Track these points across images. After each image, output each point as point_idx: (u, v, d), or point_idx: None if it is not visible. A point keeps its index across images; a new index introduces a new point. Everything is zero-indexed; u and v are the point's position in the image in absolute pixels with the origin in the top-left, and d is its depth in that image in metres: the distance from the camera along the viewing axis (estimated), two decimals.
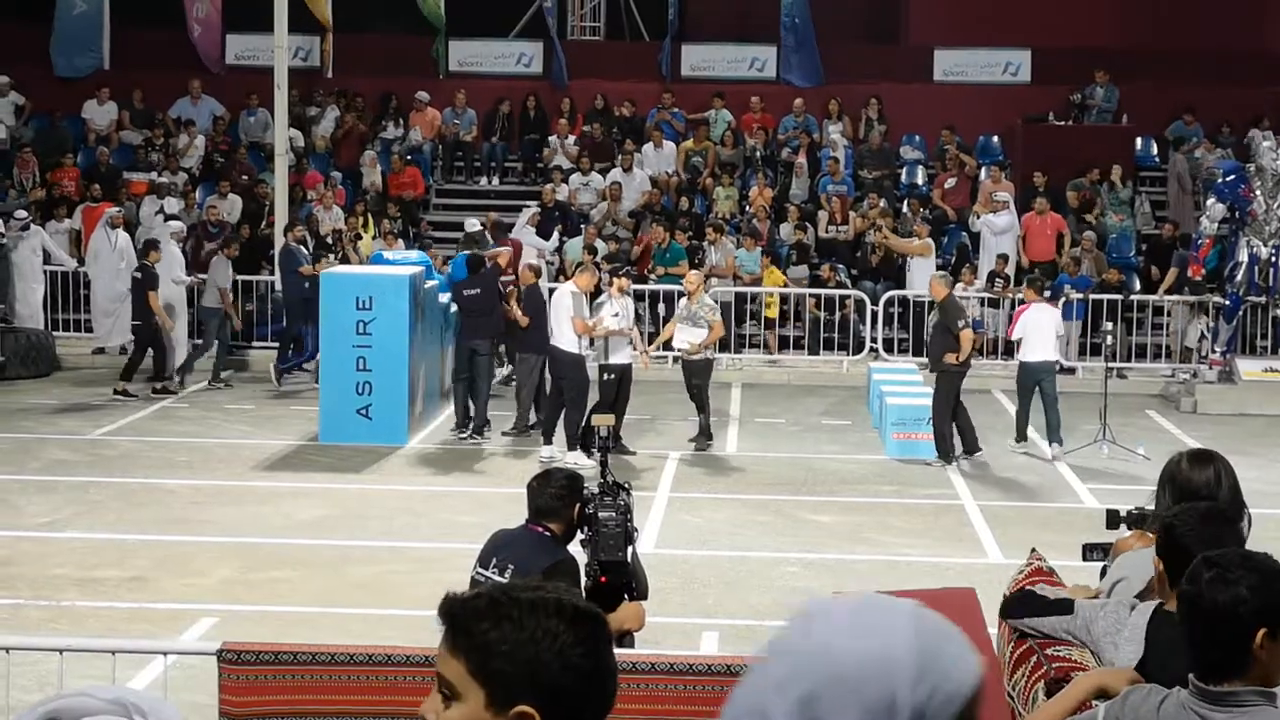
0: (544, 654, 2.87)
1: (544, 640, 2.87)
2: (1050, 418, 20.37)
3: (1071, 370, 25.65)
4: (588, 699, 2.92)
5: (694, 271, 21.20)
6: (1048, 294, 21.95)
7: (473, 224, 25.40)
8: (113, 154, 30.45)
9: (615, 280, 20.42)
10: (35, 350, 24.92)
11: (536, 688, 2.87)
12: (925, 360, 25.22)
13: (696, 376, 20.25)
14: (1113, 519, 6.92)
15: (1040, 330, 20.32)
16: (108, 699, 3.04)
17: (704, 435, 20.24)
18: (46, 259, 26.23)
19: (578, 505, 7.64)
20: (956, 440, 19.74)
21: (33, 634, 12.28)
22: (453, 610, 2.96)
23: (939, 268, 24.20)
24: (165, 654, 8.85)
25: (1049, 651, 5.59)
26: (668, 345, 21.88)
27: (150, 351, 23.56)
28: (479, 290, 20.62)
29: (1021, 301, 21.95)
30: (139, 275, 23.71)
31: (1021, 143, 31.04)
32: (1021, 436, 20.75)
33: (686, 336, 20.20)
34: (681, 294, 21.51)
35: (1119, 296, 25.74)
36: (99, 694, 3.05)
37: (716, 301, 21.51)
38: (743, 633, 13.32)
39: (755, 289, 26.61)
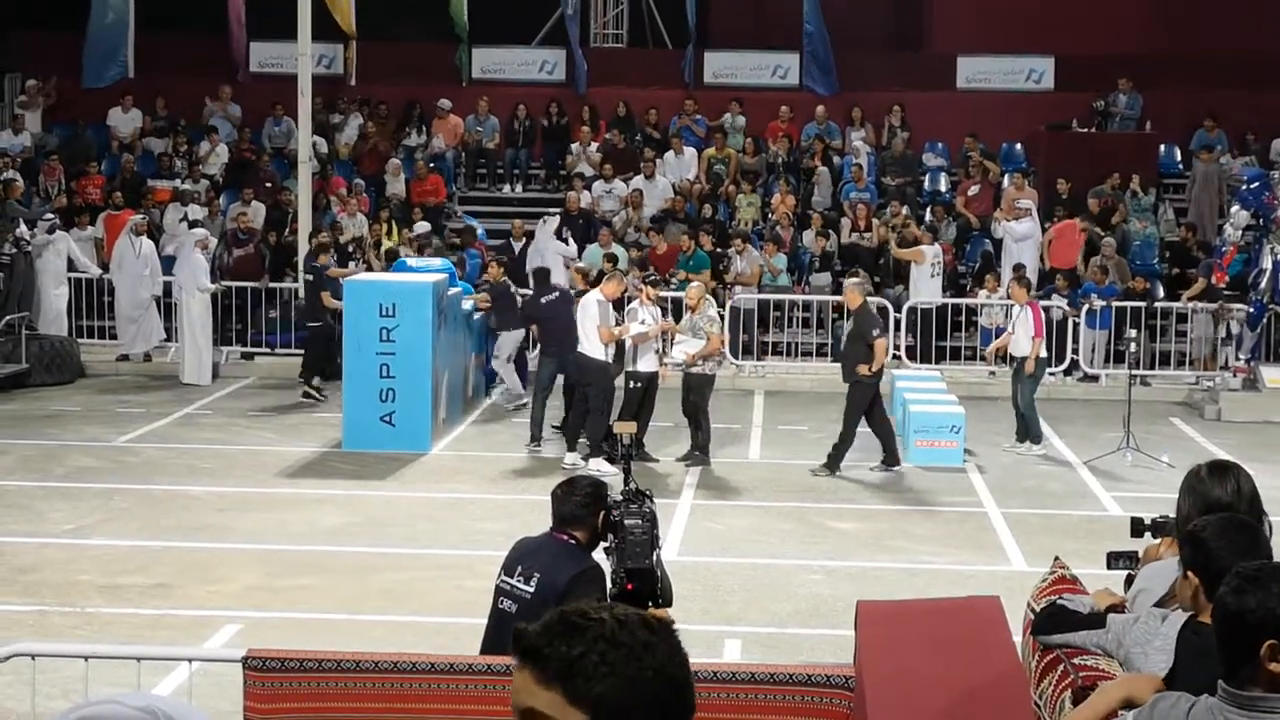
0: (645, 669, 2.82)
1: (644, 655, 2.83)
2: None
3: (1095, 378, 25.65)
4: (684, 708, 2.89)
5: (695, 284, 21.05)
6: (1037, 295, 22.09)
7: (423, 226, 25.76)
8: (137, 161, 30.55)
9: (645, 288, 20.38)
10: (59, 357, 24.99)
11: (641, 704, 2.82)
12: (940, 367, 25.32)
13: (694, 392, 19.92)
14: (1137, 527, 6.91)
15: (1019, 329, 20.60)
16: (138, 706, 3.05)
17: (699, 451, 19.94)
18: (71, 266, 26.33)
19: (602, 513, 7.63)
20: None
21: (57, 640, 12.32)
22: (532, 642, 2.89)
23: (943, 271, 24.26)
24: (190, 661, 8.86)
25: (1076, 660, 5.59)
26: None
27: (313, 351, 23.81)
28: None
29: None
30: (310, 277, 23.90)
31: (1045, 150, 31.00)
32: (1021, 438, 20.84)
33: (684, 348, 20.01)
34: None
35: (1143, 304, 25.69)
36: (129, 701, 3.06)
37: (723, 314, 21.30)
38: (765, 640, 13.32)
39: (779, 296, 26.61)
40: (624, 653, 2.82)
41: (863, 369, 19.27)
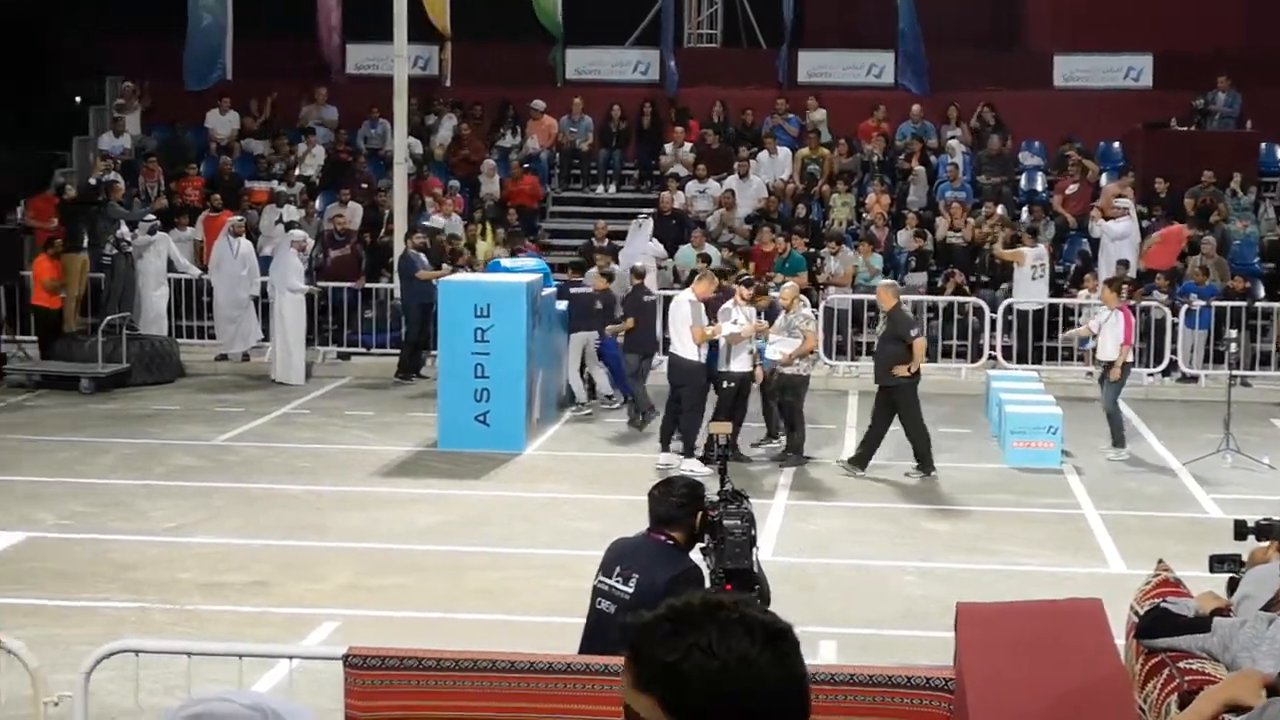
0: (741, 683, 2.77)
1: (740, 668, 2.77)
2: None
3: (1194, 378, 25.41)
4: (784, 717, 2.84)
5: (789, 283, 20.99)
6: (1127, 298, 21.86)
7: (438, 220, 26.29)
8: (234, 163, 30.84)
9: (740, 288, 20.33)
10: (160, 357, 25.25)
11: (735, 716, 2.78)
12: (1037, 367, 25.14)
13: (789, 392, 19.90)
14: (1240, 530, 6.84)
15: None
16: (247, 704, 3.08)
17: (793, 452, 19.91)
18: (171, 267, 26.60)
19: (699, 513, 7.63)
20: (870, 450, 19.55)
21: (159, 637, 12.44)
22: (634, 640, 2.85)
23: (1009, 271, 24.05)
24: (291, 658, 8.92)
25: (1181, 664, 5.54)
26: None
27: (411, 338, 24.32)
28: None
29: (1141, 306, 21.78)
30: (402, 263, 24.58)
31: (1142, 148, 30.72)
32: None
33: (780, 347, 19.96)
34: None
35: (1243, 304, 25.42)
36: (238, 699, 3.09)
37: (817, 314, 21.21)
38: (860, 642, 13.27)
39: (873, 296, 26.46)
40: (719, 665, 2.77)
41: (900, 369, 19.12)
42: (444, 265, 25.22)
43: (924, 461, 19.32)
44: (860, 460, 19.46)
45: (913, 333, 19.36)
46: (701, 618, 2.83)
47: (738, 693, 2.77)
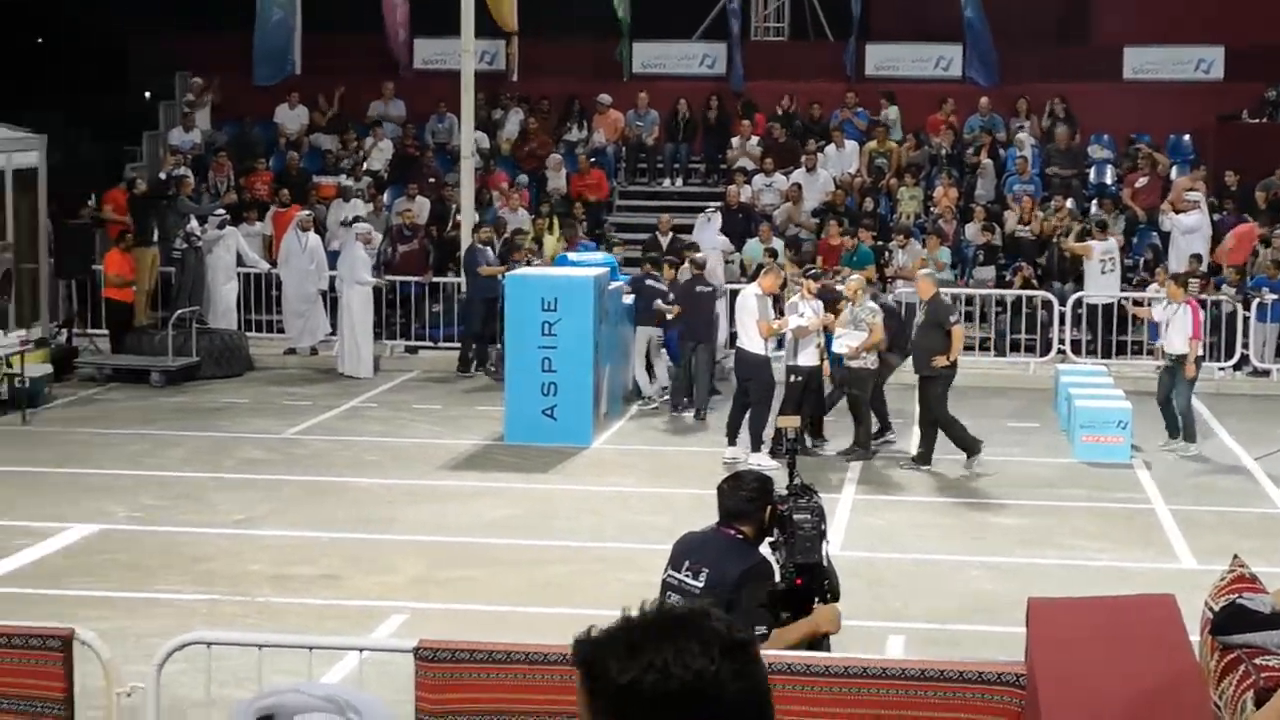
0: (700, 700, 2.69)
1: (698, 684, 2.68)
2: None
3: (1265, 373, 25.22)
4: None
5: (854, 276, 20.93)
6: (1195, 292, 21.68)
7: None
8: (303, 158, 30.99)
9: (806, 282, 20.30)
10: (229, 351, 25.41)
11: None
12: (1107, 362, 24.99)
13: (855, 385, 19.85)
14: None
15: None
16: (321, 696, 3.09)
17: (860, 446, 19.84)
18: (240, 261, 26.76)
19: (769, 507, 7.61)
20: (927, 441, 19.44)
21: (229, 629, 12.52)
22: (585, 657, 2.78)
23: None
24: (361, 650, 8.96)
25: (1258, 661, 5.49)
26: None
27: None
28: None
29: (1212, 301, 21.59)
30: (466, 257, 24.98)
31: (1214, 141, 30.48)
32: (1173, 434, 20.45)
33: (847, 340, 19.90)
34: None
35: None
36: (313, 691, 3.09)
37: (882, 305, 21.09)
38: (928, 636, 13.24)
39: (941, 290, 26.37)
40: (678, 683, 2.68)
41: (940, 359, 19.02)
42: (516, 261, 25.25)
43: (923, 457, 19.26)
44: (924, 457, 19.38)
45: (952, 319, 19.25)
46: (657, 634, 2.74)
47: (698, 710, 2.69)
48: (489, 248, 25.37)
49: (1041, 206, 28.49)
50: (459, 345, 25.79)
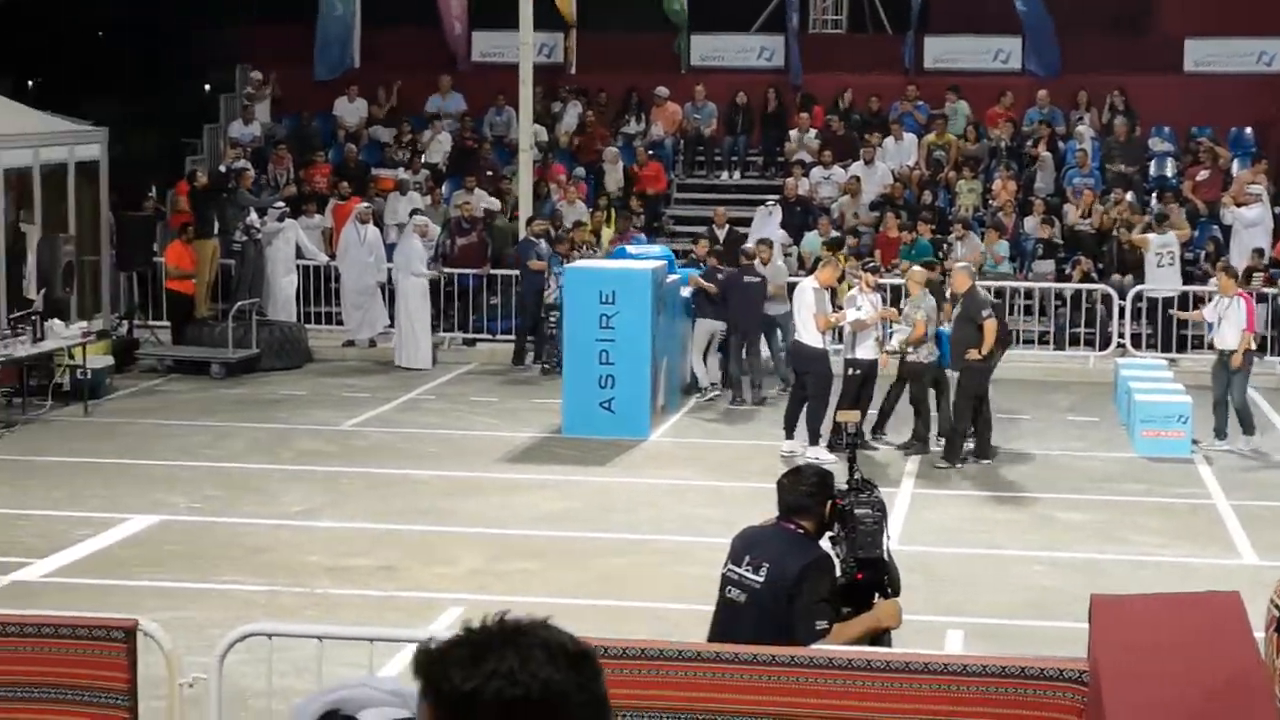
0: (544, 710, 2.67)
1: (543, 693, 2.67)
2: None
3: None
4: None
5: (915, 268, 20.78)
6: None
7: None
8: (361, 151, 31.10)
9: (864, 275, 20.24)
10: (288, 342, 25.52)
11: None
12: (1167, 356, 24.82)
13: (911, 380, 19.70)
14: None
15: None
16: (388, 691, 3.11)
17: (919, 440, 19.65)
18: (299, 253, 26.88)
19: (829, 502, 7.61)
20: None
21: (289, 620, 12.58)
22: (428, 663, 2.74)
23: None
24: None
25: None
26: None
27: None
28: None
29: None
30: (519, 250, 25.33)
31: (1276, 134, 30.24)
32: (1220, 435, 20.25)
33: (901, 335, 19.80)
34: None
35: None
36: (380, 685, 3.11)
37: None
38: (987, 631, 13.20)
39: (1000, 283, 26.33)
40: (522, 692, 2.66)
41: (973, 353, 18.91)
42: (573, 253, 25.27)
43: (982, 451, 19.14)
44: (982, 450, 19.30)
45: (984, 313, 19.09)
46: (501, 643, 2.72)
47: (541, 718, 2.66)
48: (542, 240, 25.38)
49: (1101, 200, 28.34)
50: (514, 338, 25.82)
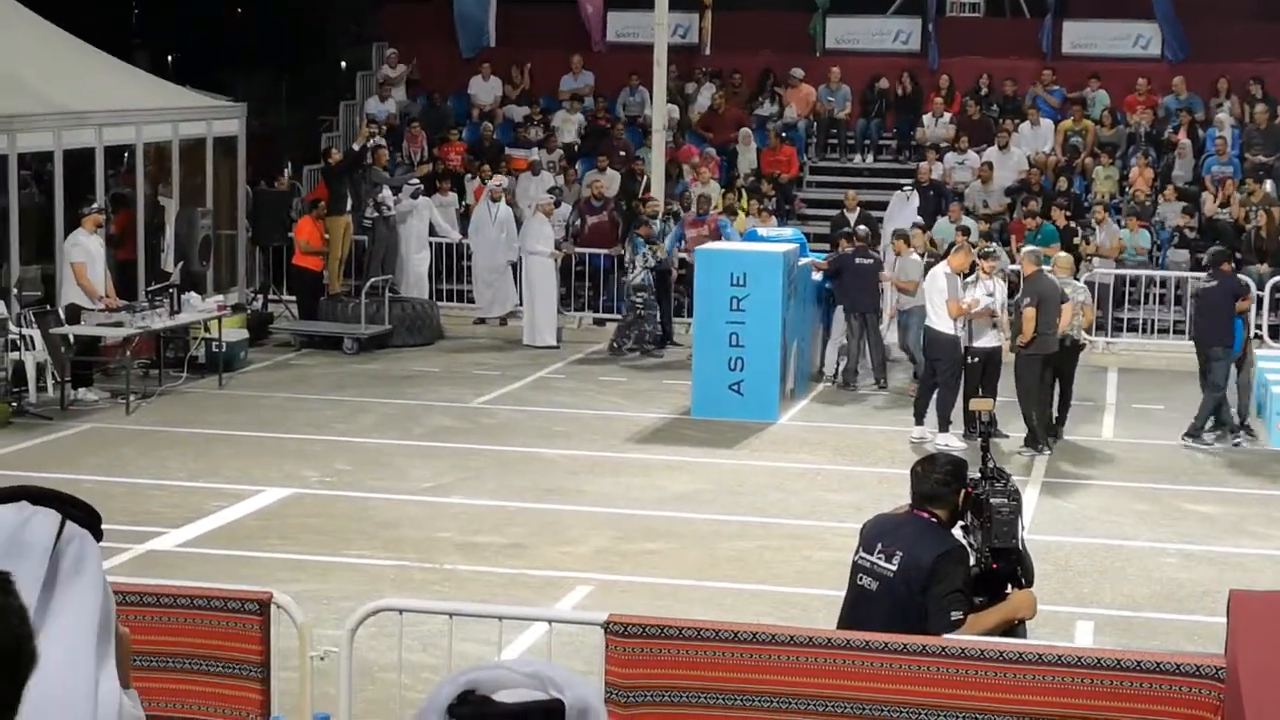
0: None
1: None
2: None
3: None
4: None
5: (1029, 248, 20.46)
6: None
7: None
8: (496, 130, 31.23)
9: (982, 262, 20.02)
10: (420, 319, 25.69)
11: None
12: None
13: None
14: None
15: None
16: (525, 673, 3.10)
17: (1032, 437, 19.11)
18: (432, 231, 27.05)
19: (962, 491, 7.54)
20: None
21: (418, 596, 12.68)
22: None
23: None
24: (551, 622, 9.01)
25: None
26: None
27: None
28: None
29: None
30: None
31: None
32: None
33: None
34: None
35: None
36: (517, 668, 3.11)
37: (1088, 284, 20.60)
38: (1119, 624, 13.05)
39: (1135, 271, 26.03)
40: None
41: (1021, 338, 18.65)
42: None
43: (1031, 436, 18.85)
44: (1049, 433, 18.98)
45: (1025, 301, 18.79)
46: None
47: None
48: (655, 221, 25.33)
49: (1239, 188, 27.91)
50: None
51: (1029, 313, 18.65)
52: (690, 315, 22.53)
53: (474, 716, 2.69)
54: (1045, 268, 19.46)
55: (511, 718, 2.76)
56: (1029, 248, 20.65)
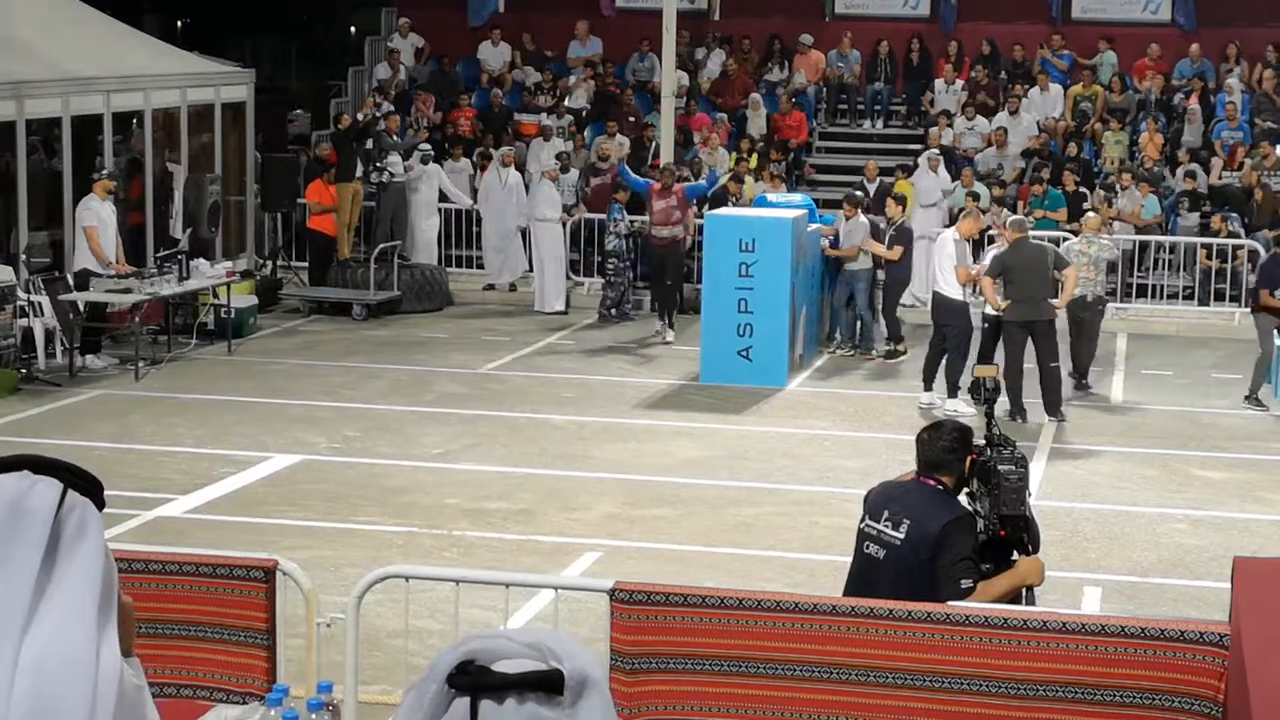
0: None
1: None
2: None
3: None
4: None
5: (1014, 218, 20.40)
6: None
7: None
8: (505, 95, 31.16)
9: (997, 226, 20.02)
10: (429, 285, 25.69)
11: None
12: None
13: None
14: None
15: None
16: (525, 643, 3.10)
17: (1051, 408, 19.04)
18: (442, 197, 27.02)
19: (969, 458, 7.54)
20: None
21: (426, 562, 12.71)
22: None
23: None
24: (557, 589, 9.03)
25: None
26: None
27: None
28: None
29: None
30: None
31: None
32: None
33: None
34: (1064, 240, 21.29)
35: None
36: (517, 637, 3.11)
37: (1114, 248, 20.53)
38: (1126, 589, 13.07)
39: (1147, 237, 25.97)
40: None
41: (1056, 303, 18.82)
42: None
43: (1052, 404, 18.80)
44: (1052, 407, 18.87)
45: (987, 270, 18.78)
46: None
47: None
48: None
49: (1249, 155, 27.82)
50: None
51: (987, 282, 18.65)
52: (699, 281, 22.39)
53: (472, 687, 2.69)
54: (1034, 233, 19.51)
55: (510, 688, 2.77)
56: (1014, 216, 20.59)
